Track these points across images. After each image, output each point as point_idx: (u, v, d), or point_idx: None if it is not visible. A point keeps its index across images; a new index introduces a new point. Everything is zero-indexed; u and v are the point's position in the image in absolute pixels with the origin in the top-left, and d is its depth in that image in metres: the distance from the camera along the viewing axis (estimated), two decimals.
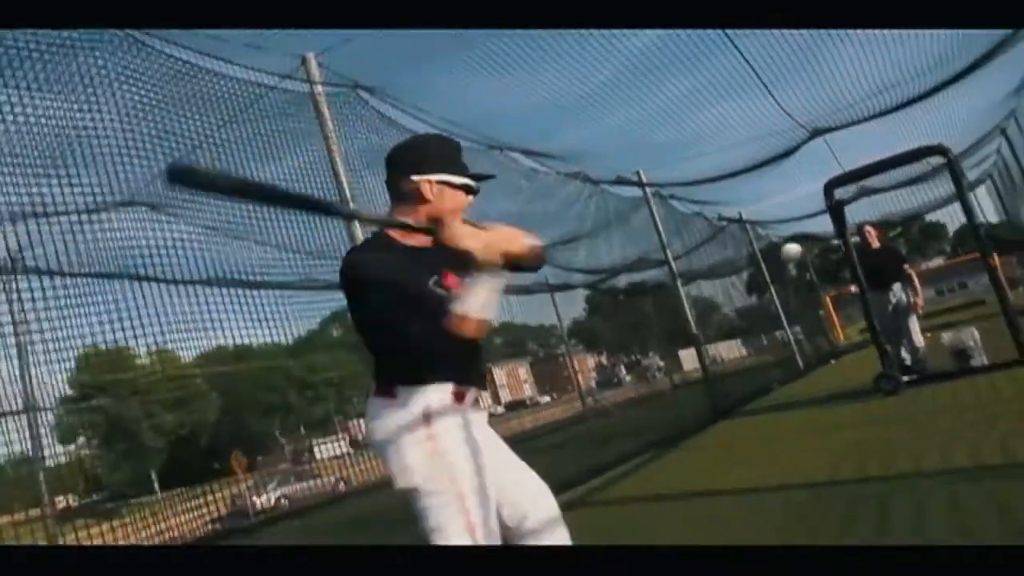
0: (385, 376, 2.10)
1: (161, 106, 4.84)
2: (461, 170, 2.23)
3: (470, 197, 2.24)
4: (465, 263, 2.02)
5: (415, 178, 2.16)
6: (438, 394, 2.05)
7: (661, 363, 22.39)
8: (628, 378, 31.27)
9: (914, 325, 7.63)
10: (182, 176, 1.68)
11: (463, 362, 2.12)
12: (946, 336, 7.33)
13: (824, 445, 5.23)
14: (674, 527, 3.89)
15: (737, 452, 6.16)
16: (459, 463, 2.01)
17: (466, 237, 1.97)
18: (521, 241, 2.01)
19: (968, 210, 6.96)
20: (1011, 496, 2.93)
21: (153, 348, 5.17)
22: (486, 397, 2.31)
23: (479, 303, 1.92)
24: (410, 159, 2.22)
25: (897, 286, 7.72)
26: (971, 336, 7.08)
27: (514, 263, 2.04)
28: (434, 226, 2.11)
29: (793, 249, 7.26)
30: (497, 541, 2.01)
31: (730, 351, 19.64)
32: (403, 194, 2.19)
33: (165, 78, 4.82)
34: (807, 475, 4.27)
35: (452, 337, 1.96)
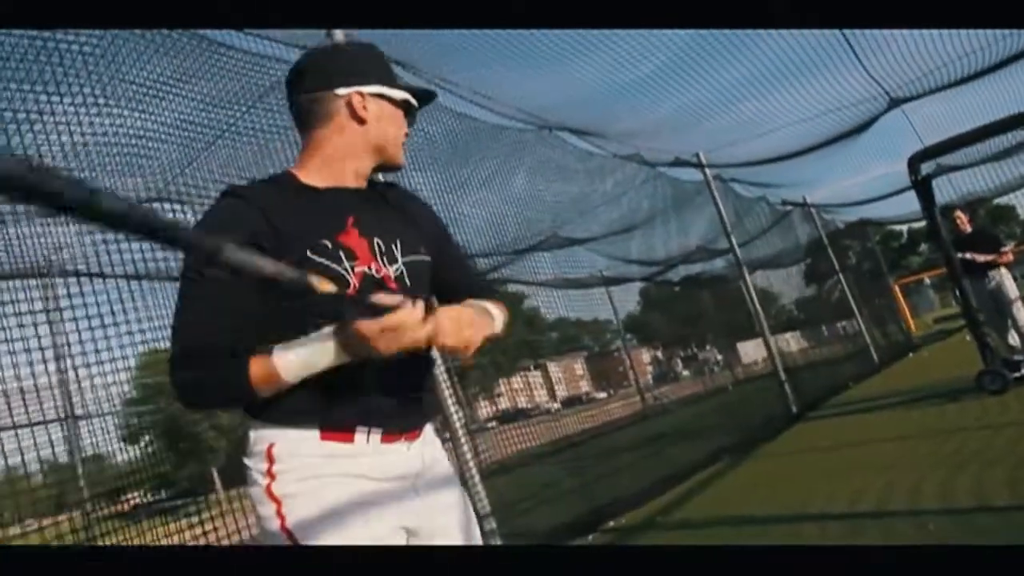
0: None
1: (180, 92, 4.47)
2: (399, 82, 1.60)
3: (406, 126, 1.62)
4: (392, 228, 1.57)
5: (341, 91, 1.52)
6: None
7: (719, 356, 21.56)
8: (685, 372, 30.57)
9: (1019, 313, 6.83)
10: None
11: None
12: None
13: (925, 454, 4.57)
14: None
15: (821, 462, 5.50)
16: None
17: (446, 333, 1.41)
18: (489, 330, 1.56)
19: None
20: None
21: None
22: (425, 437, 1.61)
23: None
24: (327, 68, 1.55)
25: (998, 271, 6.93)
26: None
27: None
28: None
29: None
30: None
31: (790, 344, 18.72)
32: (318, 117, 1.54)
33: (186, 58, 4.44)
34: (913, 492, 3.66)
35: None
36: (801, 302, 16.20)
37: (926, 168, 6.92)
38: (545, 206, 6.63)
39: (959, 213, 7.23)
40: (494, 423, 16.82)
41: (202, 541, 4.86)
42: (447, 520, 1.59)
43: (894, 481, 3.98)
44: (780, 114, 8.21)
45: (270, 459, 1.44)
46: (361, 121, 1.54)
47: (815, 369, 12.34)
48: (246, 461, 1.48)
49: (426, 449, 1.59)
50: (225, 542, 4.71)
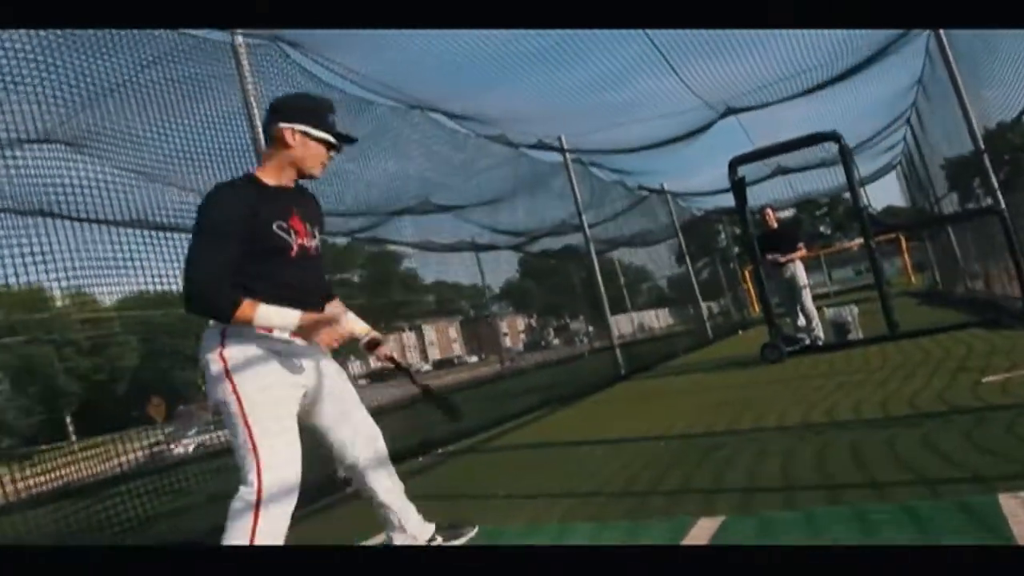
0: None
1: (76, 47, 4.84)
2: (326, 126, 2.52)
3: (331, 153, 2.57)
4: (315, 215, 2.58)
5: (282, 125, 2.47)
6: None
7: (589, 328, 22.87)
8: (555, 341, 31.79)
9: (807, 299, 8.09)
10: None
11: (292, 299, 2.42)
12: (828, 311, 7.91)
13: (702, 403, 5.69)
14: (546, 471, 4.27)
15: (627, 408, 6.60)
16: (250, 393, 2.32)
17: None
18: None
19: (854, 194, 7.48)
20: (860, 448, 3.31)
21: (69, 289, 5.01)
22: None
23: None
24: (283, 108, 2.52)
25: (793, 264, 8.18)
26: (850, 312, 7.65)
27: None
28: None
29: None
30: (290, 476, 2.34)
31: (655, 320, 20.20)
32: (271, 138, 2.51)
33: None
34: (682, 426, 4.69)
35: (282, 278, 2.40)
36: (671, 281, 17.60)
37: (744, 171, 8.11)
38: (412, 177, 7.29)
39: (768, 210, 8.47)
40: (364, 381, 17.47)
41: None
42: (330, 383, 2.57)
43: (667, 421, 5.03)
44: (635, 111, 9.19)
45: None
46: (288, 147, 2.48)
47: (657, 341, 13.76)
48: None
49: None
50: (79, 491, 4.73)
